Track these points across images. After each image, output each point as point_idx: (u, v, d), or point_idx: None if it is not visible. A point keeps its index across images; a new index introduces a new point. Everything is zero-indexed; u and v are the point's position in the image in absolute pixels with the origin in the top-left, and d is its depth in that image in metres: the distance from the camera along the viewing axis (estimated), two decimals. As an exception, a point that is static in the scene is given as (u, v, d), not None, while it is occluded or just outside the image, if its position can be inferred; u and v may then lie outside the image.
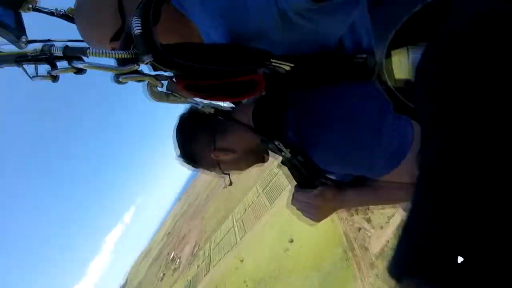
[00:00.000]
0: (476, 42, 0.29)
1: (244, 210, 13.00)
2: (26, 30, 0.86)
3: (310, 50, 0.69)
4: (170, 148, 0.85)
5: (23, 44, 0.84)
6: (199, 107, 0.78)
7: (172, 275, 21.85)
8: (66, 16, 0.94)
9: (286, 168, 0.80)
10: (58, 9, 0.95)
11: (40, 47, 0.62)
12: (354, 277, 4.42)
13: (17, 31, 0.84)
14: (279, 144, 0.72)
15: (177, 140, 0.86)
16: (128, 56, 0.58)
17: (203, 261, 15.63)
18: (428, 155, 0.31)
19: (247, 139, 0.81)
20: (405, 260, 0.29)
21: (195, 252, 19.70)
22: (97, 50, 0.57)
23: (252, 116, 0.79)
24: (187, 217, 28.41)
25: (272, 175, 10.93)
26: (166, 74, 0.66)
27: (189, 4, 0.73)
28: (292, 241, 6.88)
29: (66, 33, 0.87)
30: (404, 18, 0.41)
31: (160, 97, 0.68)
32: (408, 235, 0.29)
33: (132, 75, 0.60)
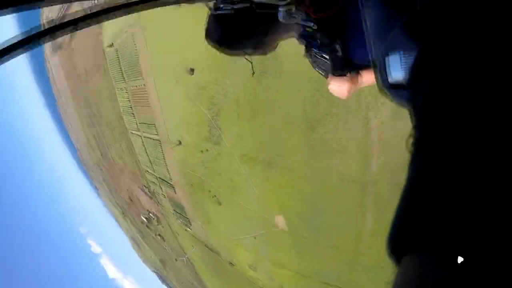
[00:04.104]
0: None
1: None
2: None
3: None
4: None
5: None
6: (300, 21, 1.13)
7: (162, 227, 20.09)
8: None
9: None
10: None
11: None
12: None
13: None
14: (339, 42, 1.13)
15: (230, 32, 1.14)
16: None
17: (161, 187, 14.13)
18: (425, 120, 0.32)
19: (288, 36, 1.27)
20: (408, 232, 0.26)
21: (149, 192, 17.82)
22: None
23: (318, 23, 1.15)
24: (115, 181, 23.65)
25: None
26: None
27: None
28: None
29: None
30: (396, 29, 0.46)
31: (288, 18, 1.05)
32: (410, 208, 0.27)
33: (289, 6, 1.01)
